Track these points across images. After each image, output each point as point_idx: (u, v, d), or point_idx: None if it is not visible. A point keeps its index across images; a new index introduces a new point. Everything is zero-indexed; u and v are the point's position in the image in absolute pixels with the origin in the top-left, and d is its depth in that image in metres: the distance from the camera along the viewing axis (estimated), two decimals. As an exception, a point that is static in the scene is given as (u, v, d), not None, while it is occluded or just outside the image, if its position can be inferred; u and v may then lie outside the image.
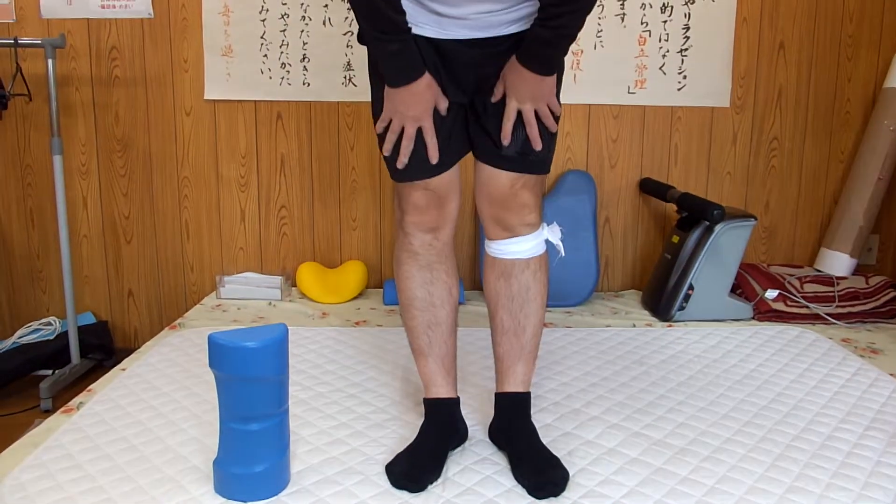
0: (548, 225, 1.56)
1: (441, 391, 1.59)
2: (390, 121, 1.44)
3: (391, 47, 1.35)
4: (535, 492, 1.41)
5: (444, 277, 1.58)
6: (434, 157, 1.45)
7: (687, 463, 1.52)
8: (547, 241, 1.56)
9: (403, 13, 1.33)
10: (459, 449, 1.58)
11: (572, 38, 1.37)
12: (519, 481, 1.45)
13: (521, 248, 1.52)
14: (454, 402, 1.60)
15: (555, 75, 1.43)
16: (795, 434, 1.66)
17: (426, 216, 1.52)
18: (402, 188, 1.51)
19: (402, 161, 1.45)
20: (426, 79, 1.40)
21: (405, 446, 1.53)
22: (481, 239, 2.71)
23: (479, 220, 2.74)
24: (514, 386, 1.57)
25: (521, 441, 1.52)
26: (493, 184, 1.50)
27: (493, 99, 1.45)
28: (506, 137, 1.44)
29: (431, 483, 1.44)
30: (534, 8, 1.36)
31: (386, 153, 1.47)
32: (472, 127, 1.51)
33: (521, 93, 1.41)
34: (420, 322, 1.58)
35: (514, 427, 1.55)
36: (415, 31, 1.39)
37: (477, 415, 1.73)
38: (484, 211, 1.54)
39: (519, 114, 1.43)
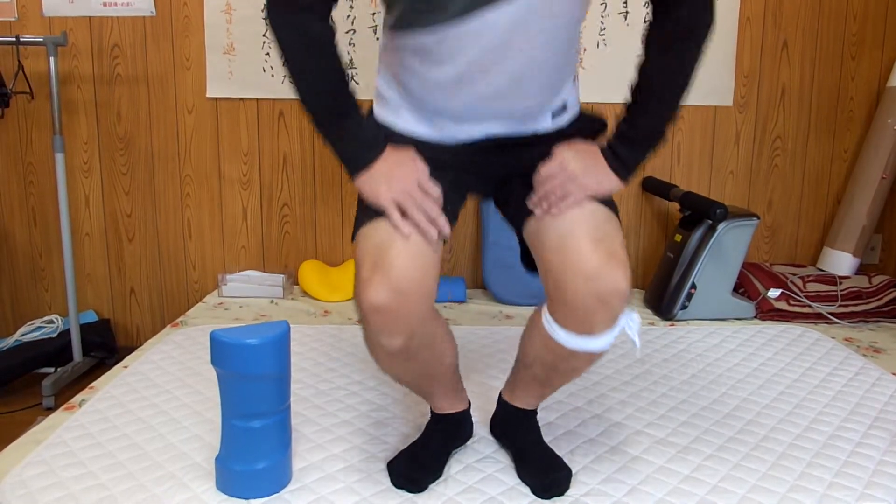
0: (628, 310, 1.26)
1: (450, 409, 1.53)
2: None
3: (345, 125, 1.23)
4: (540, 492, 1.40)
5: (429, 358, 1.35)
6: (444, 227, 1.23)
7: (689, 461, 1.52)
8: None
9: (351, 88, 1.24)
10: (461, 446, 1.58)
11: (662, 139, 1.27)
12: (523, 480, 1.44)
13: (592, 345, 1.25)
14: (463, 413, 1.55)
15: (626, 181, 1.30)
16: (798, 433, 1.65)
17: (386, 318, 1.19)
18: (358, 276, 1.21)
19: (421, 221, 1.23)
20: (397, 147, 1.27)
21: (407, 444, 1.53)
22: (483, 241, 2.71)
23: (484, 224, 2.76)
24: (523, 405, 1.51)
25: (524, 439, 1.51)
26: (572, 250, 1.20)
27: (531, 206, 1.28)
28: (535, 205, 1.28)
29: (432, 482, 1.44)
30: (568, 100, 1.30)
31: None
32: (510, 193, 1.36)
33: (582, 174, 1.25)
34: (416, 389, 1.47)
35: (517, 425, 1.53)
36: (413, 132, 1.31)
37: (478, 413, 1.72)
38: (562, 293, 1.22)
39: None
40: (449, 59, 1.21)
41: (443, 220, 1.23)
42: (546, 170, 1.28)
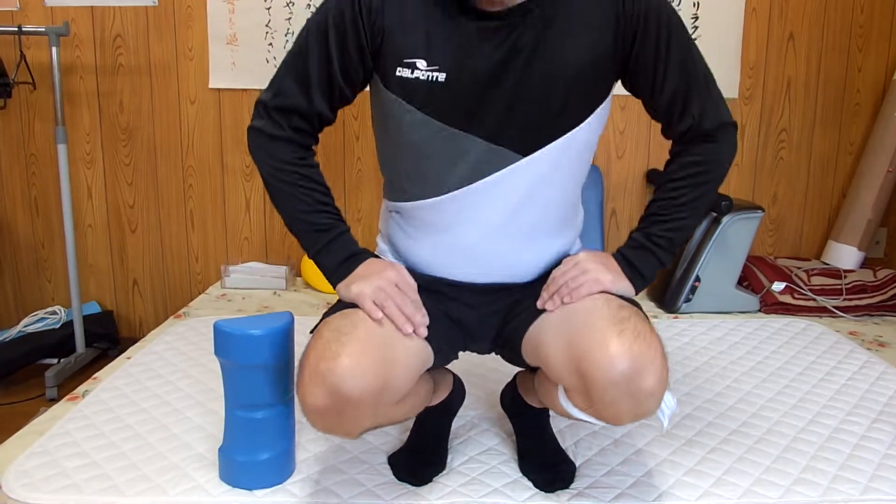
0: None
1: (438, 400, 1.48)
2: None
3: (330, 236, 1.24)
4: (543, 486, 1.40)
5: (410, 410, 1.29)
6: (421, 326, 1.17)
7: (693, 454, 1.52)
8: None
9: (334, 208, 1.25)
10: (464, 438, 1.57)
11: (673, 250, 1.26)
12: (525, 475, 1.44)
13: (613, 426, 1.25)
14: (450, 393, 1.50)
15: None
16: (802, 426, 1.65)
17: (328, 423, 1.10)
18: (300, 374, 1.10)
19: (415, 326, 1.17)
20: (384, 260, 1.27)
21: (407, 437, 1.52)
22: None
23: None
24: (531, 402, 1.48)
25: (531, 433, 1.50)
26: (594, 340, 1.08)
27: (540, 306, 1.23)
28: (544, 302, 1.22)
29: (436, 475, 1.43)
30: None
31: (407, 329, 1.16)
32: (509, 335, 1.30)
33: (594, 275, 1.21)
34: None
35: (526, 416, 1.51)
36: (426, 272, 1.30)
37: (481, 408, 1.72)
38: (583, 387, 1.10)
39: None
40: (446, 227, 1.24)
41: (420, 317, 1.18)
42: (558, 269, 1.25)
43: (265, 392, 1.33)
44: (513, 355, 1.33)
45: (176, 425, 1.62)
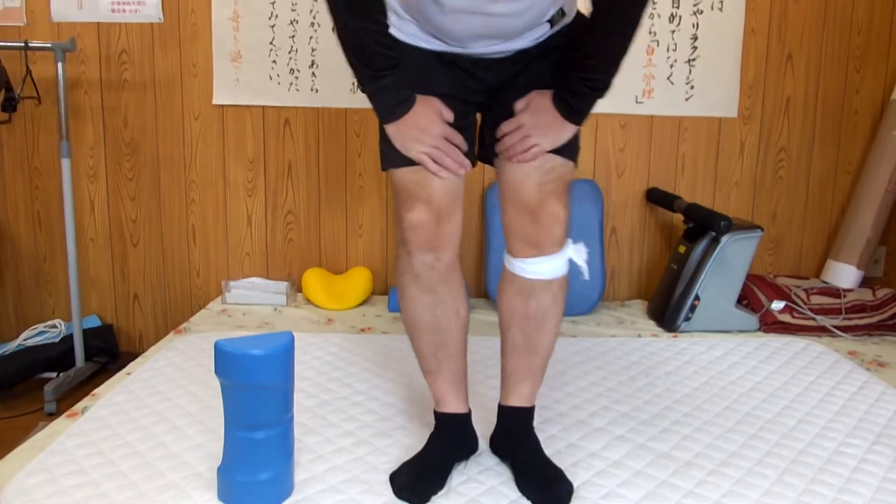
0: (573, 243, 1.48)
1: (451, 406, 1.56)
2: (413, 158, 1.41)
3: (383, 83, 1.33)
4: None
5: (449, 299, 1.50)
6: (467, 167, 1.42)
7: (692, 476, 1.52)
8: (570, 261, 1.48)
9: (393, 48, 1.33)
10: (465, 460, 1.57)
11: (607, 89, 1.36)
12: (524, 494, 1.44)
13: (544, 268, 1.45)
14: (464, 417, 1.58)
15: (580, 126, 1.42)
16: (801, 448, 1.65)
17: (426, 235, 1.43)
18: (401, 205, 1.44)
19: (452, 166, 1.40)
20: (424, 101, 1.38)
21: (410, 455, 1.53)
22: (487, 247, 2.71)
23: (489, 229, 2.76)
24: (519, 401, 1.55)
25: (524, 453, 1.51)
26: (519, 190, 1.43)
27: (517, 109, 1.42)
28: (503, 148, 1.43)
29: (434, 494, 1.43)
30: (549, 18, 1.35)
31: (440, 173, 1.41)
32: (489, 127, 1.48)
33: (541, 127, 1.39)
34: (427, 345, 1.54)
35: (516, 439, 1.54)
36: (416, 43, 1.38)
37: (480, 425, 1.72)
38: (510, 224, 1.46)
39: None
40: None
41: (467, 161, 1.41)
42: (505, 127, 1.43)
43: (265, 412, 1.33)
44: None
45: (175, 443, 1.62)
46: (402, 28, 1.39)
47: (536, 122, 1.39)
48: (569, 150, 1.44)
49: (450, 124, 1.40)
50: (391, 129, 1.39)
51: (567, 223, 1.43)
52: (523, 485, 1.46)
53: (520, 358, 1.53)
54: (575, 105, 1.37)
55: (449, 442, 1.54)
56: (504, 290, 1.52)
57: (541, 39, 1.40)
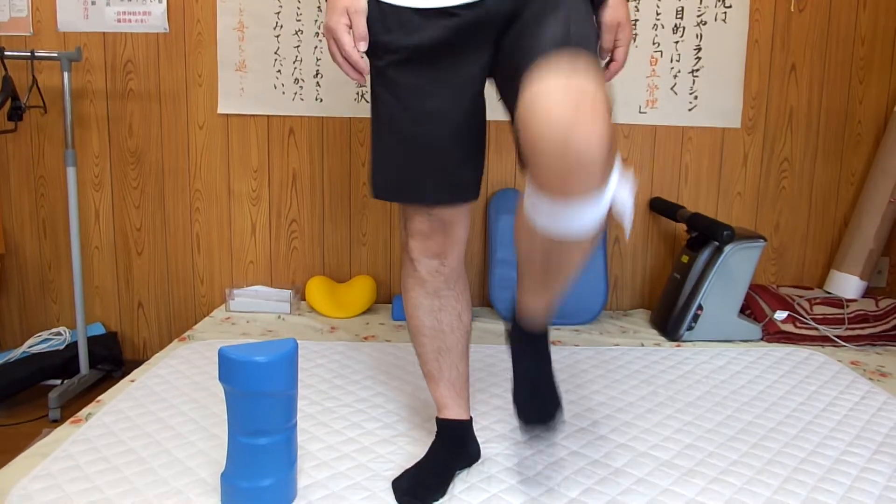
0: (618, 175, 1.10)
1: (452, 413, 1.57)
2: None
3: None
4: (523, 418, 1.40)
5: (453, 304, 1.51)
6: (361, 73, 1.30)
7: (694, 484, 1.52)
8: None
9: None
10: (467, 468, 1.58)
11: None
12: (514, 402, 1.42)
13: (573, 223, 1.08)
14: (465, 424, 1.58)
15: None
16: (803, 457, 1.65)
17: (431, 242, 1.44)
18: (406, 212, 1.44)
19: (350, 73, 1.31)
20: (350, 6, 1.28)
21: (413, 462, 1.53)
22: (490, 257, 2.72)
23: (492, 239, 2.77)
24: (535, 316, 1.42)
25: (527, 361, 1.45)
26: (548, 115, 0.98)
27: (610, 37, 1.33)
28: (608, 54, 1.36)
29: (436, 501, 1.44)
30: None
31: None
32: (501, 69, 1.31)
33: (626, 35, 1.34)
34: (429, 349, 1.54)
35: (527, 343, 1.46)
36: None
37: (485, 432, 1.72)
38: (535, 169, 1.05)
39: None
40: None
41: (361, 64, 1.29)
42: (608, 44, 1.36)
43: (269, 418, 1.34)
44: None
45: (179, 450, 1.62)
46: None
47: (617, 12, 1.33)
48: (595, 52, 1.27)
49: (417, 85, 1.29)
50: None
51: (615, 153, 1.08)
52: (515, 393, 1.43)
53: (533, 284, 1.34)
54: None
55: (450, 448, 1.54)
56: (519, 225, 1.25)
57: None
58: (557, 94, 0.98)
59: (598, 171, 1.01)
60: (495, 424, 1.72)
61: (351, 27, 1.29)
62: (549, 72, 1.02)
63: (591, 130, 0.97)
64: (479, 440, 1.63)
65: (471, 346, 2.31)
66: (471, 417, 1.59)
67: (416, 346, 1.56)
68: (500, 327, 2.61)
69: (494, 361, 2.21)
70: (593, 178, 1.01)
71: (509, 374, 2.10)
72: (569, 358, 2.28)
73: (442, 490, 1.46)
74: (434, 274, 1.47)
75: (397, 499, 1.43)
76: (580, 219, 1.07)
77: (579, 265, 1.23)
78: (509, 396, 1.45)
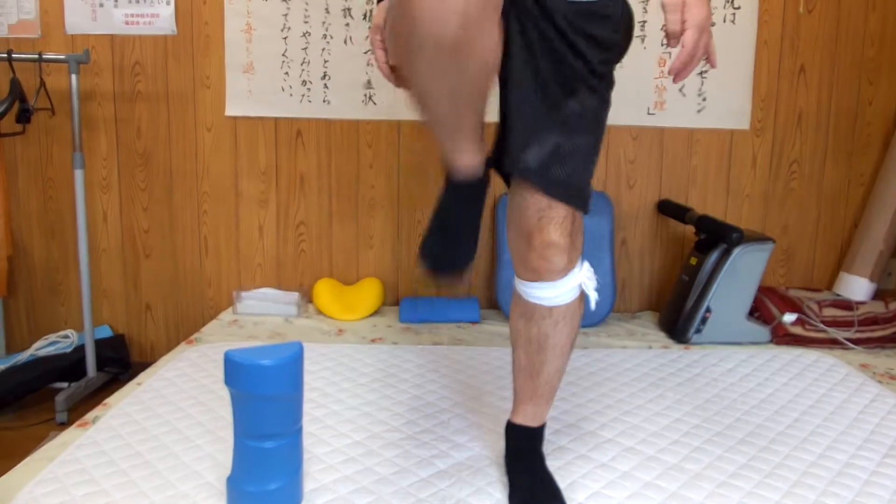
0: (580, 268, 1.37)
1: (467, 159, 1.30)
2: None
3: None
4: (432, 263, 1.34)
5: (485, 48, 1.13)
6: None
7: (702, 488, 1.51)
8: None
9: None
10: (455, 479, 1.55)
11: None
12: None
13: (543, 294, 1.36)
14: (481, 177, 1.35)
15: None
16: (812, 460, 1.64)
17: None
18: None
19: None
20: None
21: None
22: (498, 260, 2.71)
23: (500, 242, 2.76)
24: (523, 419, 1.51)
25: (524, 471, 1.48)
26: (520, 213, 1.32)
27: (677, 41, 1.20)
28: (674, 71, 1.24)
29: (471, 261, 1.35)
30: None
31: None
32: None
33: (694, 16, 1.20)
34: (446, 107, 1.20)
35: (520, 457, 1.51)
36: None
37: (490, 436, 1.72)
38: (510, 244, 1.38)
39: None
40: None
41: (392, 78, 1.36)
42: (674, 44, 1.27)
43: (275, 422, 1.34)
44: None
45: (186, 453, 1.62)
46: None
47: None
48: (575, 200, 1.31)
49: None
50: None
51: (570, 251, 1.32)
52: (511, 499, 1.44)
53: (524, 378, 1.49)
54: None
55: (468, 198, 1.36)
56: (512, 308, 1.48)
57: None
58: (531, 211, 1.31)
59: (557, 264, 1.32)
60: (501, 428, 1.71)
61: (383, 41, 1.35)
62: (525, 202, 1.31)
63: (551, 239, 1.31)
64: (487, 444, 1.62)
65: (479, 348, 2.31)
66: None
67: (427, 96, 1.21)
68: (508, 330, 2.60)
69: (503, 364, 2.20)
70: (554, 268, 1.33)
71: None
72: (576, 360, 2.27)
73: (473, 249, 1.37)
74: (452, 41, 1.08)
75: (427, 265, 1.35)
76: (551, 290, 1.35)
77: (556, 363, 1.44)
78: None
